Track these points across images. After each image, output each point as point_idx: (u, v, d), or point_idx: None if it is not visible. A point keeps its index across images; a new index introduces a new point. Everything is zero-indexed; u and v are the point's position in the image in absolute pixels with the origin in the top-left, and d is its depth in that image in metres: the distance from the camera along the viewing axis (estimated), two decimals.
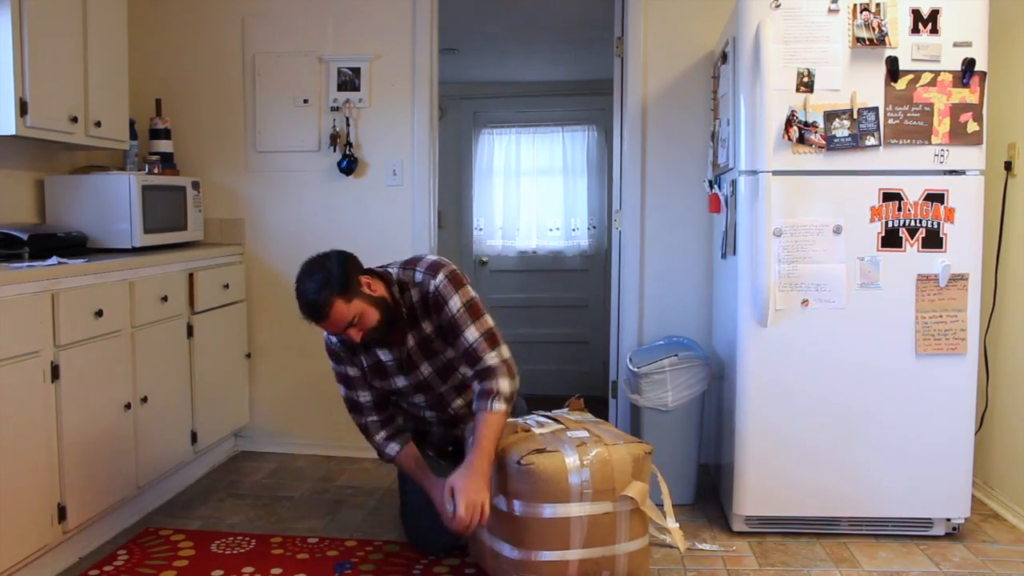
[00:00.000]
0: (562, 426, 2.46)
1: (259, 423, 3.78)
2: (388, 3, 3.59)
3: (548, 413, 2.62)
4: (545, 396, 2.76)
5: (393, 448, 2.56)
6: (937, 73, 2.64)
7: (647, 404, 3.06)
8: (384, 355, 2.50)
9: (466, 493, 2.19)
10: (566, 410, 2.70)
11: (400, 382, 2.53)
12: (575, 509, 2.21)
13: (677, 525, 2.44)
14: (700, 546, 2.72)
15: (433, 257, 2.49)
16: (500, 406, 2.30)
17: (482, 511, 2.21)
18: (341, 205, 3.67)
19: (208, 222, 3.68)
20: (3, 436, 2.25)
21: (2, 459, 2.25)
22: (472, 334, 2.37)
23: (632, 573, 2.32)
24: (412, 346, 2.48)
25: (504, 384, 2.33)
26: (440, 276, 2.40)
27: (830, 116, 2.66)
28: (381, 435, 2.57)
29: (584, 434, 2.38)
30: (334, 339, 2.50)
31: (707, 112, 3.45)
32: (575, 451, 2.26)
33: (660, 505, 2.48)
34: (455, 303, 2.38)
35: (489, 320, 2.42)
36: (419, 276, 2.43)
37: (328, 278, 2.27)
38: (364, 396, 2.56)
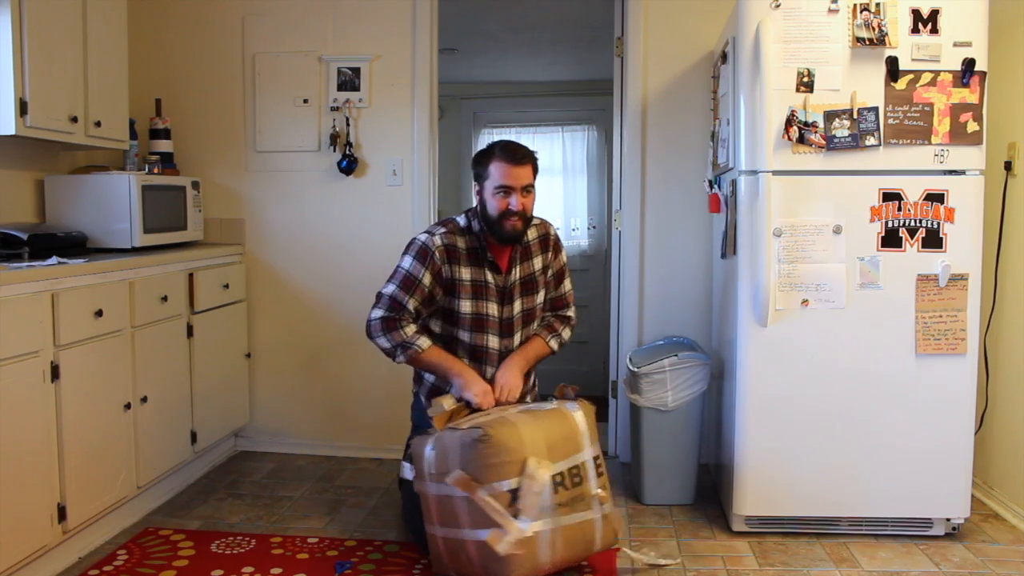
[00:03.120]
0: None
1: (259, 423, 3.78)
2: (388, 3, 3.59)
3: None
4: (544, 396, 2.78)
5: (425, 341, 2.63)
6: (937, 73, 2.64)
7: (647, 404, 3.06)
8: (490, 277, 2.69)
9: (501, 375, 2.67)
10: (554, 402, 2.57)
11: (492, 309, 2.69)
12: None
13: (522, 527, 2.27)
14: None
15: None
16: (554, 344, 2.81)
17: (510, 392, 2.63)
18: (341, 205, 3.67)
19: (208, 222, 3.68)
20: (3, 436, 2.25)
21: (2, 459, 2.25)
22: (567, 285, 2.89)
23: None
24: (516, 279, 2.73)
25: (567, 334, 2.85)
26: (554, 229, 2.89)
27: (830, 116, 2.66)
28: (412, 328, 2.63)
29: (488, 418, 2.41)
30: (439, 241, 2.64)
31: (707, 112, 3.45)
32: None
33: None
34: (564, 256, 2.89)
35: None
36: (539, 219, 2.84)
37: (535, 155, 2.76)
38: (412, 303, 2.62)
